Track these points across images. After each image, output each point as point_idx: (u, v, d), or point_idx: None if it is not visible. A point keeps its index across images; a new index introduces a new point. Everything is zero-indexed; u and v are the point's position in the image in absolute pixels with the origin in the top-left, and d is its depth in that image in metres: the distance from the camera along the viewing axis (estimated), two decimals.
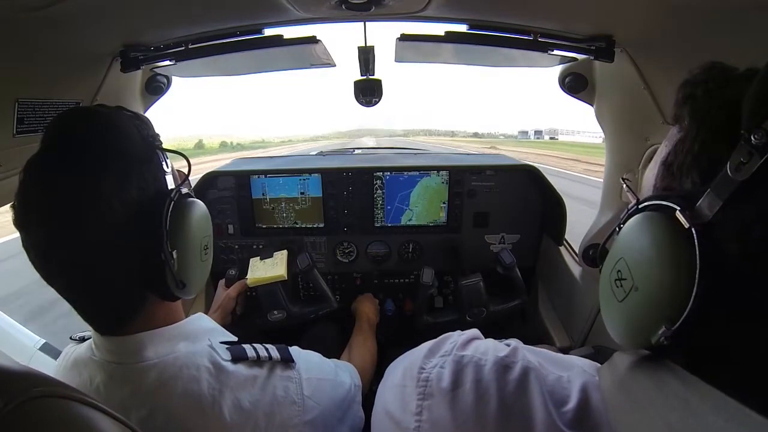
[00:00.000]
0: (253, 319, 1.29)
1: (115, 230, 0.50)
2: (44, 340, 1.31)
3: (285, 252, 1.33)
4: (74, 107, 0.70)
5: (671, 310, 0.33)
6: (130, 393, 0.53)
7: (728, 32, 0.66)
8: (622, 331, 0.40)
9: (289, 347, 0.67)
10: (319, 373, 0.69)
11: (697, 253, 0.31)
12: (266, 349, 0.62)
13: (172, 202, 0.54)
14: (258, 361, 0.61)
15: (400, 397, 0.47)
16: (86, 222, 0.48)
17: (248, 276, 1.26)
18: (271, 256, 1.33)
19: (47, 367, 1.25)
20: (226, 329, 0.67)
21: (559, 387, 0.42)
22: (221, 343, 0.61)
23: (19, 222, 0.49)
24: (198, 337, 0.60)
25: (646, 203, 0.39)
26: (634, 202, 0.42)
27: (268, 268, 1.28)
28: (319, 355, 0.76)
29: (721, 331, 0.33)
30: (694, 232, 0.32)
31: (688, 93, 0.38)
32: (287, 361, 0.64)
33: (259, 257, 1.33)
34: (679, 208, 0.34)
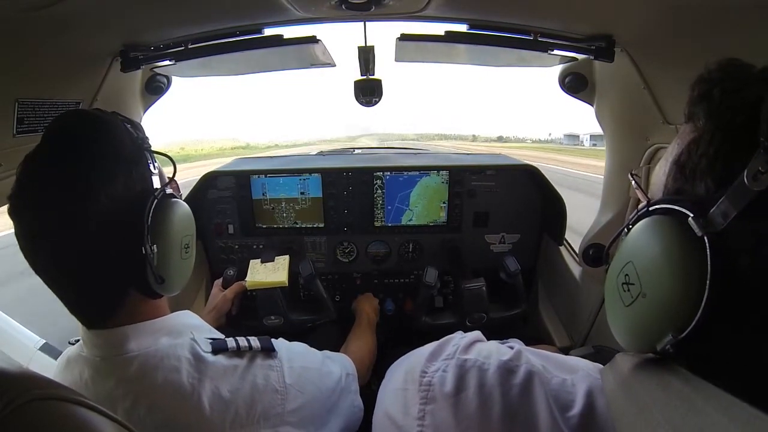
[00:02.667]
0: (248, 322, 1.28)
1: (101, 225, 0.53)
2: (44, 341, 1.31)
3: (287, 257, 1.32)
4: (72, 110, 0.71)
5: (678, 319, 0.32)
6: (115, 384, 0.55)
7: (728, 31, 0.66)
8: (627, 336, 0.39)
9: (274, 339, 0.67)
10: (304, 362, 0.69)
11: (709, 263, 0.31)
12: (247, 340, 0.63)
13: (155, 200, 0.57)
14: (238, 352, 0.62)
15: (402, 401, 0.47)
16: (73, 215, 0.51)
17: (248, 278, 1.25)
18: (272, 260, 1.31)
19: (47, 367, 1.25)
20: (221, 331, 0.68)
21: (563, 391, 0.41)
22: (206, 338, 0.62)
23: (12, 212, 0.52)
24: (181, 332, 0.61)
25: (656, 206, 0.38)
26: (643, 201, 0.40)
27: (269, 272, 1.26)
28: (306, 345, 0.76)
29: (726, 342, 0.32)
30: (706, 241, 0.31)
31: (704, 91, 0.36)
32: (268, 351, 0.64)
33: (259, 260, 1.32)
34: (692, 215, 0.33)
